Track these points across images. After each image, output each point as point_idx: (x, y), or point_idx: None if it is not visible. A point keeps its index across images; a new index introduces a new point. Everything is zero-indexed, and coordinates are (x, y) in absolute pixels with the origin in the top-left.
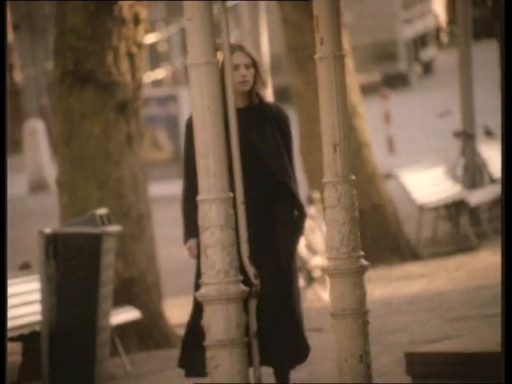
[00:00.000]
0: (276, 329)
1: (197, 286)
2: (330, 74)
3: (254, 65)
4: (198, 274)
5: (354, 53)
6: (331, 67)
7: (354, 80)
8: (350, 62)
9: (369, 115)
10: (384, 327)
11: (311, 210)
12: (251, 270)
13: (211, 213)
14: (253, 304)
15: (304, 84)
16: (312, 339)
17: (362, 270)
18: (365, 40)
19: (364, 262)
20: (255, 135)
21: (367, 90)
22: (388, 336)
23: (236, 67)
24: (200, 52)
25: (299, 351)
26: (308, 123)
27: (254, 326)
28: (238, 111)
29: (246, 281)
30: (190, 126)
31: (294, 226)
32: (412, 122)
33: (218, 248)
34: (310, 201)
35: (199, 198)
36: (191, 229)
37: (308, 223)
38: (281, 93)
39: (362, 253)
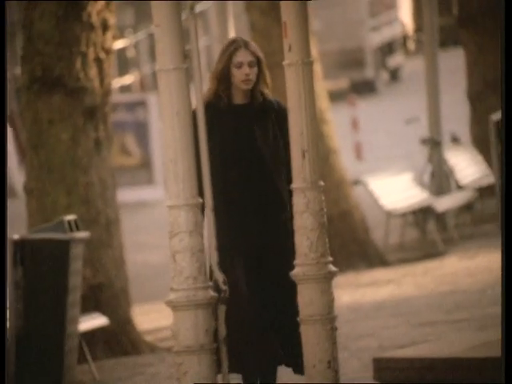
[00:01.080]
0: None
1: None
2: (299, 81)
3: (259, 63)
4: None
5: (321, 60)
6: (299, 74)
7: (322, 87)
8: (318, 69)
9: (336, 122)
10: (352, 333)
11: None
12: (220, 277)
13: (180, 219)
14: (222, 310)
15: (272, 90)
16: None
17: (330, 276)
18: (332, 47)
19: (332, 267)
20: (256, 132)
21: (335, 96)
22: (356, 341)
23: (239, 65)
24: (169, 58)
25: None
26: None
27: (222, 331)
28: (240, 107)
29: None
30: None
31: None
32: (379, 129)
33: (186, 254)
34: None
35: (168, 203)
36: None
37: None
38: None
39: (330, 259)
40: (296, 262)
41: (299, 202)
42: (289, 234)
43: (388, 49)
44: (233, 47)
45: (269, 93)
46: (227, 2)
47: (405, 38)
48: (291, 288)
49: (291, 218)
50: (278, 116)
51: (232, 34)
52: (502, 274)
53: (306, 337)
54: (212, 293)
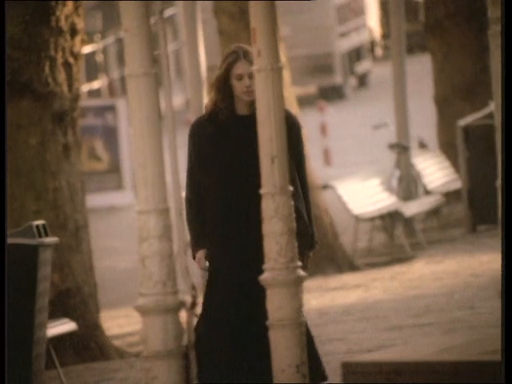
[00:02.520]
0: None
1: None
2: (268, 86)
3: None
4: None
5: (290, 65)
6: (268, 79)
7: (290, 92)
8: (287, 75)
9: (305, 127)
10: (320, 337)
11: None
12: (188, 281)
13: (149, 224)
14: (191, 314)
15: None
16: None
17: (299, 281)
18: (301, 53)
19: (301, 272)
20: (250, 150)
21: (304, 102)
22: (324, 345)
23: (239, 77)
24: (138, 63)
25: (319, 369)
26: None
27: (191, 337)
28: (242, 118)
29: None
30: (192, 134)
31: (304, 242)
32: (348, 134)
33: (156, 259)
34: None
35: (137, 208)
36: (197, 240)
37: None
38: None
39: (299, 263)
40: (265, 266)
41: (268, 207)
42: None
43: (356, 55)
44: (232, 58)
45: None
46: (196, 7)
47: (372, 44)
48: None
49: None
50: (291, 130)
51: (201, 39)
52: (502, 274)
53: (275, 341)
54: (181, 298)
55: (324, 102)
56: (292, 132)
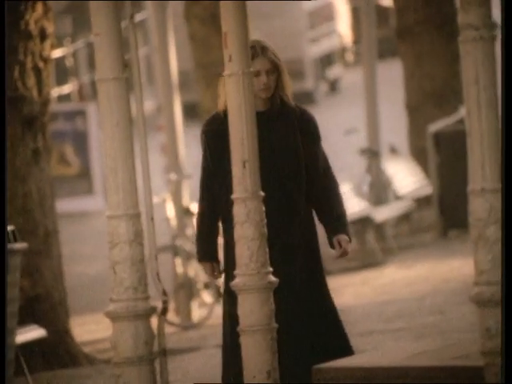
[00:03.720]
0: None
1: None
2: (239, 91)
3: (277, 68)
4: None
5: None
6: (240, 84)
7: None
8: None
9: None
10: None
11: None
12: (159, 287)
13: (120, 229)
14: (162, 320)
15: (212, 101)
16: (219, 355)
17: (270, 286)
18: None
19: (273, 277)
20: (274, 140)
21: None
22: None
23: (257, 73)
24: (108, 68)
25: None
26: None
27: (162, 342)
28: (258, 115)
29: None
30: (205, 132)
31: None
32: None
33: (126, 264)
34: None
35: (108, 214)
36: (205, 251)
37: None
38: (189, 109)
39: (270, 269)
40: (236, 272)
41: (240, 212)
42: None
43: (327, 60)
44: (251, 54)
45: (290, 99)
46: (166, 11)
47: (343, 49)
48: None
49: (307, 231)
50: (300, 122)
51: (172, 44)
52: (501, 274)
53: (246, 347)
54: (152, 304)
55: None
56: (308, 128)
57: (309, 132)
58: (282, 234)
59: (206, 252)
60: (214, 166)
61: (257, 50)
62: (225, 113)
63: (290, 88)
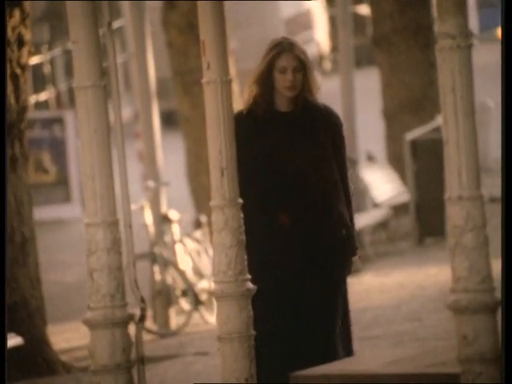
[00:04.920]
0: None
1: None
2: (217, 99)
3: (304, 67)
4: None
5: (240, 78)
6: (218, 92)
7: (240, 105)
8: (236, 87)
9: None
10: None
11: (198, 234)
12: (137, 294)
13: (98, 236)
14: (139, 328)
15: (191, 108)
16: (198, 363)
17: (248, 293)
18: (250, 66)
19: (250, 285)
20: (298, 143)
21: None
22: None
23: (283, 70)
24: (86, 75)
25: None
26: (195, 147)
27: (140, 350)
28: (282, 115)
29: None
30: (236, 121)
31: (344, 248)
32: None
33: (104, 272)
34: (197, 224)
35: (86, 221)
36: None
37: (195, 246)
38: (167, 117)
39: (248, 276)
40: (214, 279)
41: (218, 220)
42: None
43: None
44: (276, 51)
45: (316, 99)
46: (144, 19)
47: (321, 57)
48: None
49: (340, 240)
50: (326, 123)
51: (149, 51)
52: (502, 275)
53: (224, 354)
54: (129, 311)
55: None
56: (336, 131)
57: (336, 137)
58: (303, 242)
59: None
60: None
61: (284, 47)
62: (249, 110)
63: (318, 88)
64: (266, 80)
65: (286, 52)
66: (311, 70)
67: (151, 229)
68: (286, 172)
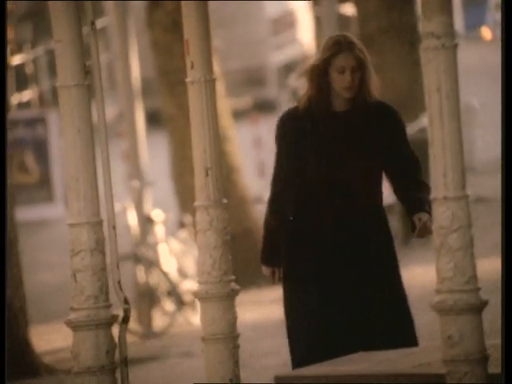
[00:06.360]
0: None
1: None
2: (201, 98)
3: (363, 66)
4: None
5: (224, 78)
6: (202, 91)
7: (225, 104)
8: (221, 87)
9: (240, 139)
10: (255, 351)
11: (183, 234)
12: (121, 295)
13: (82, 237)
14: (123, 329)
15: (175, 108)
16: (182, 364)
17: (233, 294)
18: (235, 65)
19: (235, 285)
20: (353, 146)
21: (238, 114)
22: (259, 359)
23: (341, 70)
24: (70, 74)
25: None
26: (179, 147)
27: (124, 351)
28: (339, 115)
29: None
30: (282, 129)
31: (392, 255)
32: None
33: (88, 273)
34: (182, 224)
35: (69, 221)
36: (268, 256)
37: (179, 247)
38: (152, 116)
39: (233, 277)
40: (199, 280)
41: (203, 220)
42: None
43: (290, 68)
44: (335, 49)
45: (374, 98)
46: (128, 18)
47: (306, 58)
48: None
49: (388, 249)
50: (384, 123)
51: (134, 51)
52: (501, 276)
53: (208, 355)
54: (113, 312)
55: (258, 115)
56: (392, 127)
57: (393, 130)
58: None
59: (268, 257)
60: (285, 165)
61: (342, 45)
62: (304, 109)
63: (378, 87)
64: (322, 79)
65: (344, 52)
66: (370, 69)
67: (135, 229)
68: (343, 173)
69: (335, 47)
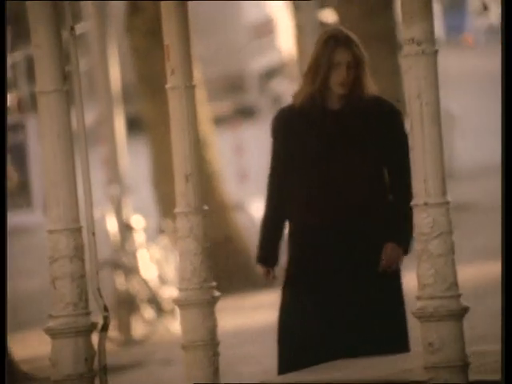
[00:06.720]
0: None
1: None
2: (182, 104)
3: (359, 62)
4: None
5: (205, 84)
6: (182, 97)
7: (205, 111)
8: (201, 93)
9: (220, 146)
10: (236, 358)
11: (163, 240)
12: (101, 302)
13: (60, 244)
14: (103, 336)
15: (155, 114)
16: (162, 372)
17: (213, 301)
18: (216, 71)
19: (216, 292)
20: (346, 145)
21: (219, 120)
22: (239, 366)
23: (337, 65)
24: (49, 79)
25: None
26: (159, 153)
27: (103, 359)
28: (329, 113)
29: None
30: (277, 129)
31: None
32: (262, 153)
33: (67, 280)
34: (162, 231)
35: (48, 228)
36: (264, 255)
37: (159, 254)
38: (132, 122)
39: (213, 283)
40: (179, 287)
41: (183, 227)
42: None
43: (270, 74)
44: (332, 44)
45: (370, 95)
46: (107, 23)
47: (287, 64)
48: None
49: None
50: (380, 121)
51: (114, 57)
52: (501, 278)
53: (188, 363)
54: (92, 320)
55: (239, 121)
56: (393, 127)
57: (393, 132)
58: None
59: (264, 256)
60: (280, 163)
61: (339, 40)
62: (299, 106)
63: (373, 84)
64: (317, 74)
65: (341, 46)
66: (366, 65)
67: (114, 236)
68: (338, 173)
69: (332, 42)
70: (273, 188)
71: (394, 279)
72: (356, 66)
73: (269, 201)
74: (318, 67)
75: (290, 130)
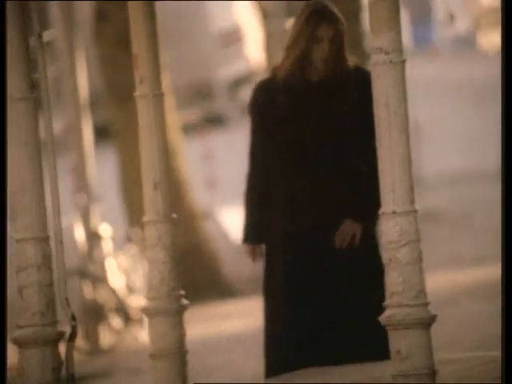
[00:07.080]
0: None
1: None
2: (150, 113)
3: (341, 36)
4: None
5: (174, 92)
6: (151, 106)
7: (174, 119)
8: (170, 101)
9: (189, 154)
10: (204, 366)
11: (131, 249)
12: (68, 311)
13: (28, 253)
14: (70, 346)
15: (124, 122)
16: (130, 381)
17: (181, 310)
18: (184, 79)
19: (184, 301)
20: (326, 120)
21: (187, 129)
22: (208, 375)
23: (319, 40)
24: (16, 87)
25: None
26: (128, 161)
27: (70, 369)
28: (309, 85)
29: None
30: (257, 103)
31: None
32: (231, 161)
33: (34, 289)
34: (130, 239)
35: (15, 237)
36: (249, 233)
37: (127, 262)
38: (100, 130)
39: (182, 292)
40: (147, 295)
41: (151, 235)
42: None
43: (239, 82)
44: (316, 18)
45: (350, 65)
46: (74, 32)
47: (255, 73)
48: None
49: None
50: (358, 90)
51: (81, 64)
52: (501, 279)
53: (156, 372)
54: (60, 329)
55: (208, 129)
56: (363, 94)
57: (366, 105)
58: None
59: (249, 234)
60: (260, 139)
61: (323, 14)
62: (279, 79)
63: (352, 55)
64: (299, 48)
65: (324, 21)
66: (345, 37)
67: (82, 244)
68: (324, 147)
69: (316, 16)
70: (254, 165)
71: (378, 285)
72: (338, 40)
73: (250, 178)
74: (301, 41)
75: (272, 102)
